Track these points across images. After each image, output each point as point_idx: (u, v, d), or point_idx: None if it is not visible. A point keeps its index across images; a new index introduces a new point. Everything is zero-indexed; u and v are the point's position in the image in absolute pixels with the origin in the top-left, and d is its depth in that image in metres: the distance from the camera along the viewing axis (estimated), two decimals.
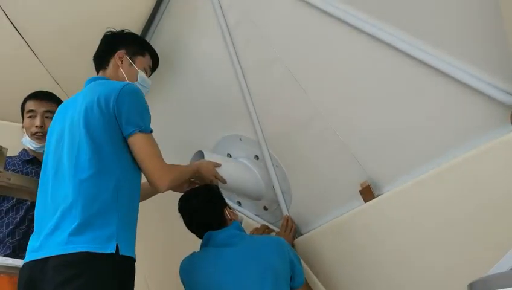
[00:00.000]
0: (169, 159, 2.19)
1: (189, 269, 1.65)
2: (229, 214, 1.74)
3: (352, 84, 1.58)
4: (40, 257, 1.31)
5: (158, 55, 1.83)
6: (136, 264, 1.68)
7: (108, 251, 1.28)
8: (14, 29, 1.89)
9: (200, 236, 1.73)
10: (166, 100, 2.07)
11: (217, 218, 1.72)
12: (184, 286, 1.65)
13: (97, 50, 1.73)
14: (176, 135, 2.14)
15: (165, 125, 2.15)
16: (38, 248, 1.34)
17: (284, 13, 1.63)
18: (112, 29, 1.76)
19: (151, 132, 1.51)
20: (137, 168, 1.50)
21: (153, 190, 1.81)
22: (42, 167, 1.51)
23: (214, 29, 1.81)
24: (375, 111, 1.55)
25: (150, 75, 1.79)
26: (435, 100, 1.41)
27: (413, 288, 1.58)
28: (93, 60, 1.72)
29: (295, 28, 1.63)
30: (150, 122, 1.51)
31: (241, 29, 1.76)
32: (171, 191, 1.87)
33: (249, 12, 1.71)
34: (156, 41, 1.96)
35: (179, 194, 1.91)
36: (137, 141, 1.45)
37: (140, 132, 1.45)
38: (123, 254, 1.32)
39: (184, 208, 1.76)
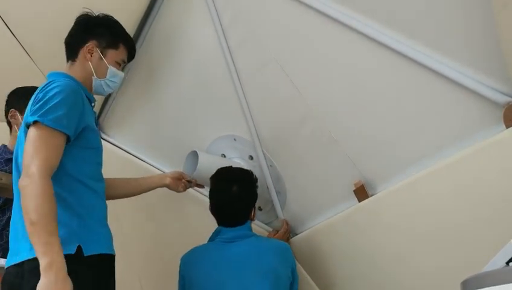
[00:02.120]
0: (164, 158, 2.21)
1: (190, 263, 1.64)
2: (253, 213, 1.74)
3: (346, 84, 1.58)
4: (16, 262, 1.32)
5: (135, 45, 1.71)
6: (130, 264, 1.67)
7: (68, 252, 1.26)
8: (3, 23, 1.86)
9: (218, 220, 1.71)
10: (159, 100, 2.06)
11: (244, 215, 1.70)
12: (182, 281, 1.64)
13: (69, 34, 1.61)
14: (169, 134, 2.13)
15: (159, 125, 2.14)
16: (15, 252, 1.35)
17: (279, 13, 1.63)
18: (87, 11, 1.62)
19: (56, 127, 1.32)
20: (86, 166, 1.44)
21: (135, 185, 1.82)
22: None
23: (208, 29, 1.81)
24: (369, 111, 1.56)
25: (123, 67, 1.68)
26: (428, 100, 1.42)
27: (408, 286, 1.58)
28: (64, 43, 1.61)
29: (290, 27, 1.63)
30: (59, 118, 1.33)
31: (235, 29, 1.75)
32: (167, 191, 1.87)
33: (243, 12, 1.71)
34: (150, 40, 1.95)
35: (173, 196, 1.91)
36: (28, 134, 1.33)
37: (35, 123, 1.31)
38: (89, 253, 1.30)
39: (221, 187, 1.71)
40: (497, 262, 0.89)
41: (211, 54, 1.85)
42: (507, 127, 1.26)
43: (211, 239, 1.70)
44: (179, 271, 1.67)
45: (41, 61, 1.99)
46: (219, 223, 1.71)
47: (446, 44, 1.32)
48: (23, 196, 1.25)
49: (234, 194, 1.68)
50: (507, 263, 0.86)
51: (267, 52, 1.71)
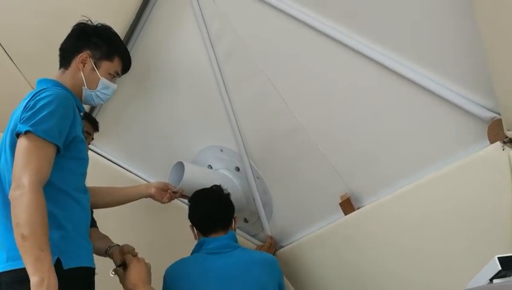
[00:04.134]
0: (149, 168, 2.19)
1: (176, 275, 1.61)
2: (234, 223, 1.75)
3: (333, 97, 1.58)
4: None
5: (131, 57, 1.68)
6: (107, 273, 1.63)
7: None
8: None
9: (201, 230, 1.72)
10: (146, 110, 2.05)
11: (225, 221, 1.71)
12: None
13: (64, 41, 1.58)
14: (155, 145, 2.11)
15: (145, 135, 2.12)
16: None
17: (266, 25, 1.63)
18: (85, 19, 1.59)
19: (47, 138, 1.29)
20: (71, 177, 1.41)
21: (120, 194, 1.81)
22: None
23: (195, 40, 1.80)
24: (356, 124, 1.56)
25: (115, 78, 1.65)
26: (414, 114, 1.43)
27: None
28: (59, 49, 1.58)
29: (277, 39, 1.64)
30: (51, 128, 1.31)
31: (223, 40, 1.75)
32: (151, 201, 1.85)
33: (231, 22, 1.71)
34: (137, 50, 1.93)
35: (157, 206, 1.89)
36: (18, 144, 1.29)
37: (26, 133, 1.27)
38: (69, 267, 1.27)
39: (199, 201, 1.74)
40: (481, 279, 0.89)
41: (199, 64, 1.85)
42: (491, 142, 1.27)
43: (195, 251, 1.69)
44: (163, 284, 1.64)
45: (26, 68, 1.96)
46: (203, 234, 1.71)
47: (432, 60, 1.33)
48: (14, 207, 1.22)
49: (212, 200, 1.72)
50: (491, 280, 0.86)
51: (254, 63, 1.71)
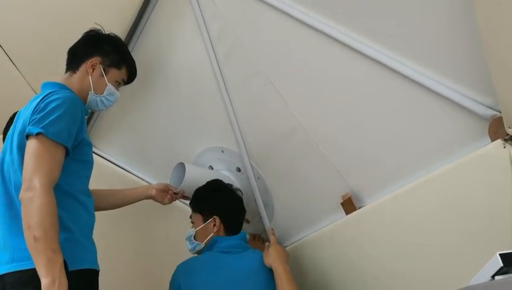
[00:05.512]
0: (151, 170, 2.19)
1: (187, 272, 1.62)
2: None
3: (334, 97, 1.58)
4: None
5: (137, 69, 1.74)
6: (114, 277, 1.63)
7: None
8: None
9: (230, 225, 1.76)
10: (146, 111, 2.05)
11: (242, 223, 1.82)
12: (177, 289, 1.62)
13: (75, 45, 1.63)
14: (156, 146, 2.12)
15: (146, 136, 2.12)
16: None
17: (267, 25, 1.64)
18: (98, 28, 1.66)
19: (58, 140, 1.32)
20: (76, 180, 1.43)
21: (121, 196, 1.83)
22: None
23: (196, 41, 1.81)
24: (356, 124, 1.56)
25: (119, 86, 1.70)
26: (415, 113, 1.43)
27: None
28: (68, 52, 1.62)
29: (278, 40, 1.64)
30: (61, 131, 1.33)
31: (223, 41, 1.76)
32: (152, 202, 1.85)
33: (231, 23, 1.71)
34: (137, 50, 1.94)
35: (158, 207, 1.89)
36: (28, 146, 1.30)
37: (37, 135, 1.29)
38: (74, 269, 1.28)
39: (229, 196, 1.81)
40: (483, 275, 0.88)
41: (199, 65, 1.85)
42: (492, 140, 1.26)
43: (207, 249, 1.71)
44: (173, 280, 1.64)
45: (27, 70, 1.97)
46: (225, 231, 1.74)
47: (432, 58, 1.33)
48: (26, 209, 1.23)
49: (241, 201, 1.82)
50: (493, 277, 0.86)
51: (255, 63, 1.71)
